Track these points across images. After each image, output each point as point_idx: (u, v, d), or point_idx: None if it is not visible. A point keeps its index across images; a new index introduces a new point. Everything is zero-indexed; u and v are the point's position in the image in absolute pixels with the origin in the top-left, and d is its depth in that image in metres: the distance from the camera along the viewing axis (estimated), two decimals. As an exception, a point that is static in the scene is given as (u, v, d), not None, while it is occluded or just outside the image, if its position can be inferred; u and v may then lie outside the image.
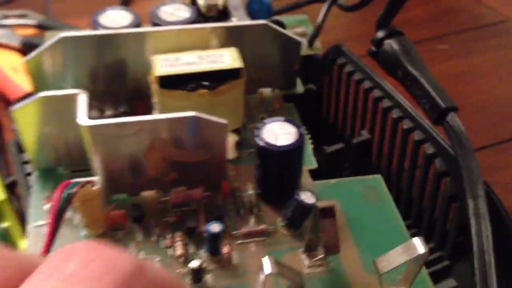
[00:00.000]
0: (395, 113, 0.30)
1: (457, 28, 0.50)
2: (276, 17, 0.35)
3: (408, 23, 0.49)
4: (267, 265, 0.18)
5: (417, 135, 0.28)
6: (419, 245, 0.19)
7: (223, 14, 0.31)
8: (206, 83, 0.25)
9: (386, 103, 0.30)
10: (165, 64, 0.25)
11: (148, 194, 0.25)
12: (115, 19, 0.28)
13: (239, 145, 0.27)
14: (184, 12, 0.29)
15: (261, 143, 0.23)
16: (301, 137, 0.23)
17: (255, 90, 0.30)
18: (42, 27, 0.45)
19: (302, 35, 0.35)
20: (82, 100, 0.23)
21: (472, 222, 0.23)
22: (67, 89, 0.25)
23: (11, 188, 0.36)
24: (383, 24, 0.30)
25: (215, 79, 0.25)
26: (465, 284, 0.28)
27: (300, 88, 0.31)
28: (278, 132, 0.23)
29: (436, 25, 0.51)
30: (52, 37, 0.28)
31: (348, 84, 0.33)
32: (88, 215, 0.23)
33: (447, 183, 0.27)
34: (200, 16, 0.30)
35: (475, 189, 0.24)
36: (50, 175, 0.26)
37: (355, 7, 0.33)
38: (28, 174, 0.28)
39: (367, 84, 0.32)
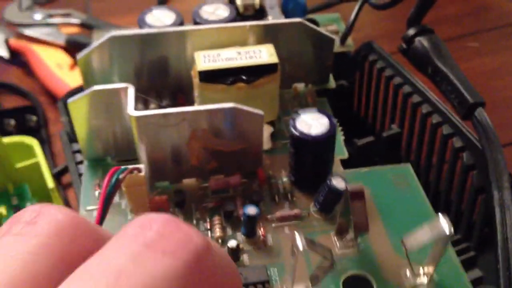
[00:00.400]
0: (425, 108, 0.31)
1: (487, 25, 0.51)
2: (309, 16, 0.36)
3: (439, 21, 0.49)
4: (299, 241, 0.20)
5: (445, 129, 0.29)
6: (444, 224, 0.20)
7: (259, 12, 0.32)
8: (244, 77, 0.26)
9: (415, 98, 0.31)
10: (206, 60, 0.27)
11: (189, 181, 0.27)
12: (160, 18, 0.30)
13: (273, 137, 0.29)
14: (223, 11, 0.30)
15: (296, 132, 0.25)
16: (333, 127, 0.25)
17: (290, 85, 0.31)
18: (85, 26, 0.48)
19: (334, 33, 0.36)
20: (131, 93, 0.25)
21: (497, 211, 0.24)
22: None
23: (57, 177, 0.39)
24: (414, 21, 0.31)
25: (253, 73, 0.27)
26: (490, 275, 0.28)
27: (332, 83, 0.32)
28: (311, 122, 0.25)
29: (467, 22, 0.51)
30: (100, 36, 0.29)
31: (379, 80, 0.34)
32: (134, 200, 0.25)
33: (474, 176, 0.28)
34: (238, 15, 0.31)
35: (501, 181, 0.25)
36: (99, 165, 0.28)
37: (387, 6, 0.34)
38: (78, 163, 0.30)
39: (397, 80, 0.33)
